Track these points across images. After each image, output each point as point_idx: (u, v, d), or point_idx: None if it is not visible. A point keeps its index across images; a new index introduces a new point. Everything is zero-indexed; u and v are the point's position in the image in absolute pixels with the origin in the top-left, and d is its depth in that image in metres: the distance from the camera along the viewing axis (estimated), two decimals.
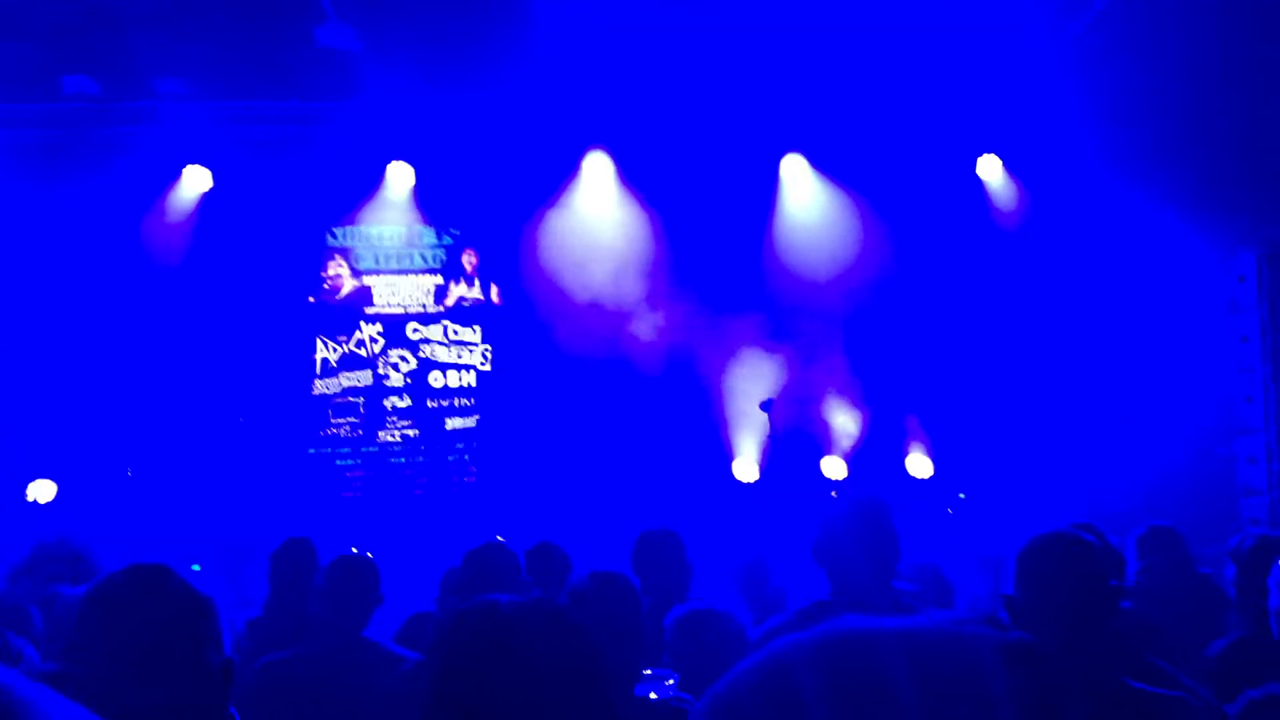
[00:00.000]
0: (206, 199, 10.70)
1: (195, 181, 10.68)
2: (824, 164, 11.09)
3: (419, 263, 11.18)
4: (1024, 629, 2.43)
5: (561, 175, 10.94)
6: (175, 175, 10.66)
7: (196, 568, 5.12)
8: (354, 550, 3.82)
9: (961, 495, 10.02)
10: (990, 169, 11.10)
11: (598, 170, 10.98)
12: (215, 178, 10.69)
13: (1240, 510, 7.31)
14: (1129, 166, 9.89)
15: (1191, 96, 9.40)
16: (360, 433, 10.94)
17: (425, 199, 11.05)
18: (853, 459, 10.69)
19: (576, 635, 1.73)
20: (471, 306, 11.17)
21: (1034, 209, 10.82)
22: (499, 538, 3.87)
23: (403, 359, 11.08)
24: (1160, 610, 4.74)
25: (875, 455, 10.59)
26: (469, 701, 1.68)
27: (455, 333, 11.14)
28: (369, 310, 11.09)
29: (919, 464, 10.65)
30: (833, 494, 9.37)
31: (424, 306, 11.15)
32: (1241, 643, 3.73)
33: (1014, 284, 10.60)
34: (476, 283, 11.18)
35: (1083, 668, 2.39)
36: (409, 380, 11.06)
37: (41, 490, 9.96)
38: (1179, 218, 9.41)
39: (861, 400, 10.73)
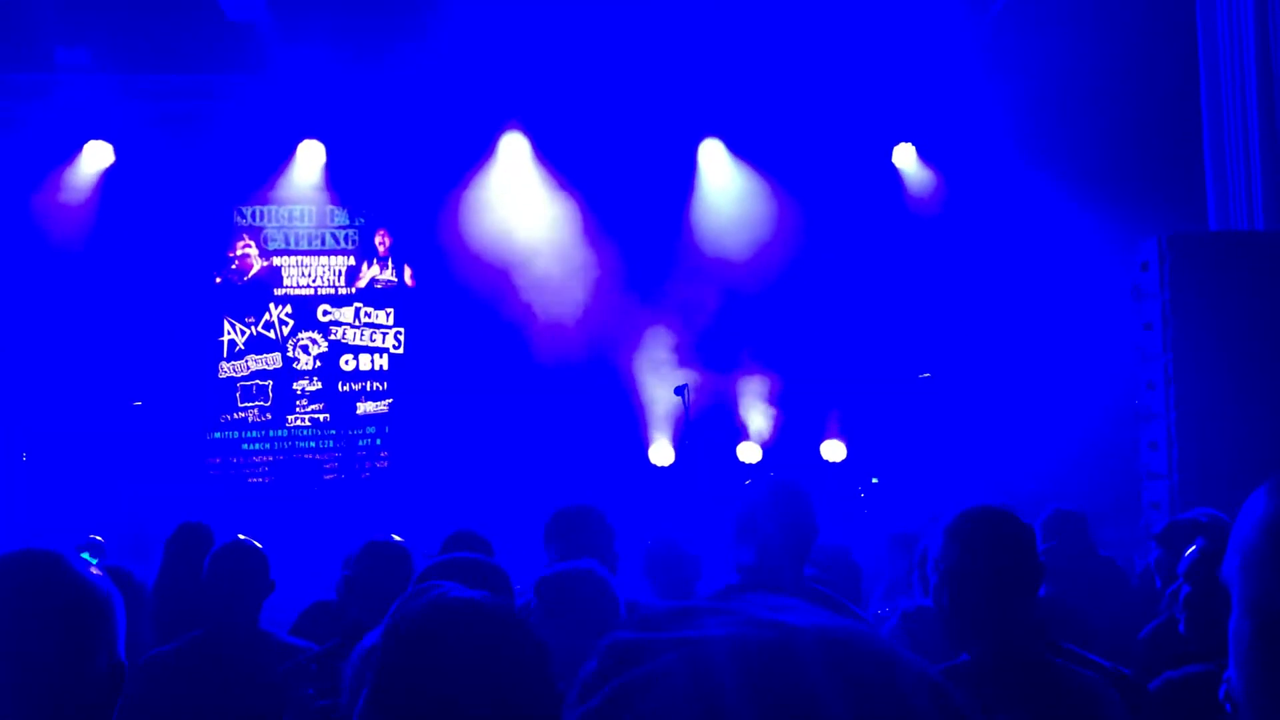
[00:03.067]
0: (108, 175, 10.35)
1: (96, 157, 10.33)
2: (742, 149, 11.08)
3: (330, 243, 10.95)
4: (950, 601, 2.41)
5: (477, 156, 10.78)
6: (75, 151, 10.29)
7: (86, 555, 4.93)
8: (240, 537, 3.67)
9: (874, 479, 10.11)
10: (905, 157, 11.20)
11: (514, 151, 10.84)
12: (117, 153, 10.35)
13: (1142, 494, 7.46)
14: (1039, 156, 10.05)
15: (1099, 87, 9.57)
16: (269, 416, 10.70)
17: (337, 178, 10.82)
18: (767, 444, 10.73)
19: (521, 635, 1.63)
20: (384, 289, 10.98)
21: (947, 197, 10.94)
22: (395, 536, 3.70)
23: (313, 341, 10.85)
24: (1063, 593, 4.80)
25: (790, 440, 10.63)
26: (407, 698, 1.57)
27: (367, 315, 10.94)
28: (278, 291, 10.84)
29: (833, 448, 10.72)
30: (746, 482, 9.38)
31: (335, 288, 10.92)
32: (1168, 625, 3.74)
33: (926, 270, 10.72)
34: (390, 264, 10.98)
35: (1008, 641, 2.37)
36: (319, 363, 10.84)
37: None
38: (1086, 206, 9.58)
39: (776, 385, 10.76)
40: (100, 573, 1.56)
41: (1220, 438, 6.92)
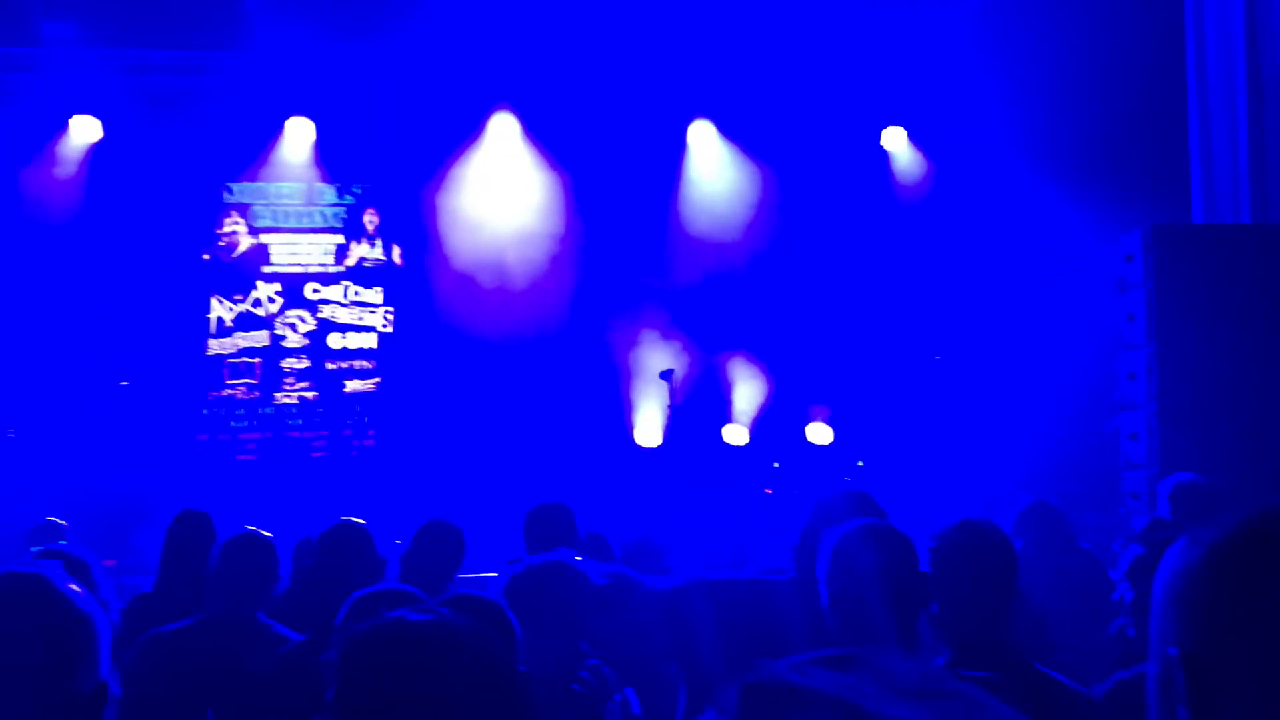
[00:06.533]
0: (95, 151, 10.30)
1: (83, 132, 10.27)
2: (731, 131, 11.06)
3: (319, 221, 10.93)
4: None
5: (466, 134, 10.76)
6: (62, 126, 10.23)
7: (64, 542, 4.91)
8: (249, 528, 3.70)
9: (860, 463, 10.17)
10: (895, 140, 11.18)
11: (503, 131, 10.82)
12: (105, 129, 10.29)
13: (1122, 484, 7.54)
14: (1028, 144, 10.08)
15: (1089, 78, 9.60)
16: (256, 394, 10.71)
17: (326, 156, 10.79)
18: (754, 426, 10.78)
19: (486, 655, 1.60)
20: (373, 267, 10.98)
21: (937, 182, 10.95)
22: (355, 519, 3.73)
23: (301, 319, 10.84)
24: (1040, 586, 4.86)
25: (776, 423, 10.69)
26: None
27: (356, 294, 10.93)
28: (266, 269, 10.82)
29: (819, 431, 10.78)
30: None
31: (324, 266, 10.91)
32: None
33: (915, 256, 10.74)
34: (378, 243, 10.97)
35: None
36: (307, 341, 10.84)
37: None
38: (1073, 196, 9.63)
39: (763, 368, 10.80)
40: (82, 591, 1.55)
41: (1200, 429, 7.00)
